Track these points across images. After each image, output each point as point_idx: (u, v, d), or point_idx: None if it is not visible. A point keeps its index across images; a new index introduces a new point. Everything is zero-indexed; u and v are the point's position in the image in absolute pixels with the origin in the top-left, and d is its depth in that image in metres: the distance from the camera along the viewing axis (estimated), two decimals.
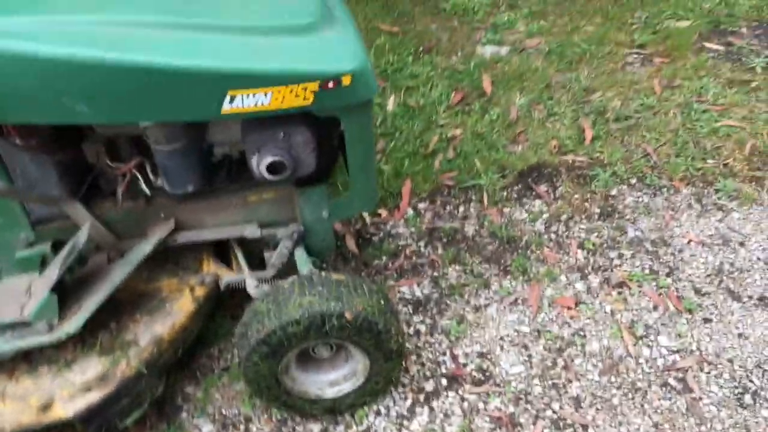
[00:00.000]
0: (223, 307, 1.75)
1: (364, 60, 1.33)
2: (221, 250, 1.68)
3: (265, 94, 1.25)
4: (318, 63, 1.27)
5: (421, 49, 2.72)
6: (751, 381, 1.64)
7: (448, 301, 1.83)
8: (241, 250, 1.62)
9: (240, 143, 1.45)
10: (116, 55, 1.15)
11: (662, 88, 2.52)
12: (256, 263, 1.61)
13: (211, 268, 1.60)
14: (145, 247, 1.47)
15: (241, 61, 1.22)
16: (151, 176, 1.45)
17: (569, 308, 1.80)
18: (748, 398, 1.60)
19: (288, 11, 1.35)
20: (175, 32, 1.22)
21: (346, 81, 1.29)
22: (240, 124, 1.41)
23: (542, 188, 2.14)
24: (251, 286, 1.53)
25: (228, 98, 1.23)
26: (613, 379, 1.65)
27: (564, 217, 2.05)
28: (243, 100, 1.24)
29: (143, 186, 1.44)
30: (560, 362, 1.68)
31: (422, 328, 1.77)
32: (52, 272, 1.37)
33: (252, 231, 1.56)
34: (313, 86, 1.27)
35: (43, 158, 1.35)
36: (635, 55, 2.70)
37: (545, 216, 2.06)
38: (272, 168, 1.37)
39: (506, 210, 2.08)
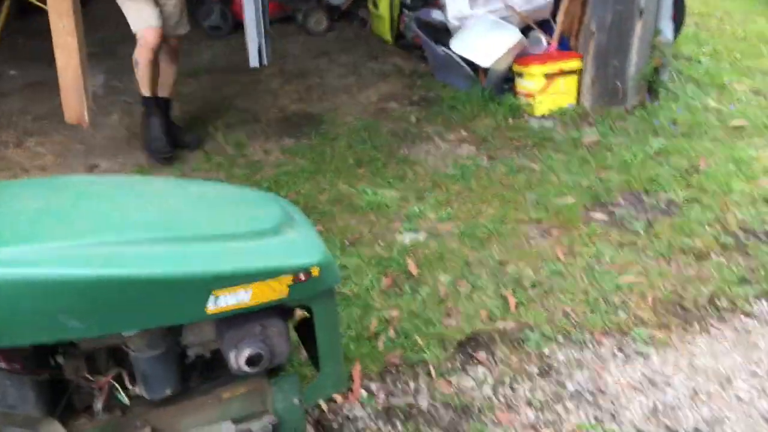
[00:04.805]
0: None
1: (327, 253, 1.51)
2: None
3: (246, 292, 1.37)
4: (290, 259, 1.43)
5: (346, 242, 2.94)
6: None
7: None
8: None
9: (213, 342, 1.54)
10: (111, 271, 1.26)
11: (564, 255, 2.83)
12: None
13: None
14: None
15: (223, 264, 1.36)
16: (128, 385, 1.49)
17: None
18: None
19: (255, 217, 1.52)
20: (162, 246, 1.35)
21: (315, 272, 1.45)
22: (214, 325, 1.51)
23: (482, 355, 2.30)
24: None
25: (213, 299, 1.35)
26: None
27: (507, 379, 2.20)
28: (226, 300, 1.36)
29: (123, 396, 1.47)
30: None
31: None
32: None
33: (227, 429, 1.59)
34: (288, 279, 1.42)
35: (23, 379, 1.37)
36: (535, 230, 3.04)
37: (490, 381, 2.19)
38: (251, 361, 1.45)
39: (453, 380, 2.20)
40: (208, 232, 1.43)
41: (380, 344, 2.35)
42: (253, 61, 4.22)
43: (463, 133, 4.02)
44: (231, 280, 1.35)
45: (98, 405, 1.46)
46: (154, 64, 3.61)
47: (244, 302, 1.38)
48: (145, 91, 3.68)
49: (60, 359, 1.46)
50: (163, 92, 3.78)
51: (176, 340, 1.50)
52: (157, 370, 1.45)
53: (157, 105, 3.75)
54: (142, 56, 3.55)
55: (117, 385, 1.48)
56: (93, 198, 1.49)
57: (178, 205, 1.53)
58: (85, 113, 3.73)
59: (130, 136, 4.02)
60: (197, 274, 1.33)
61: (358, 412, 2.09)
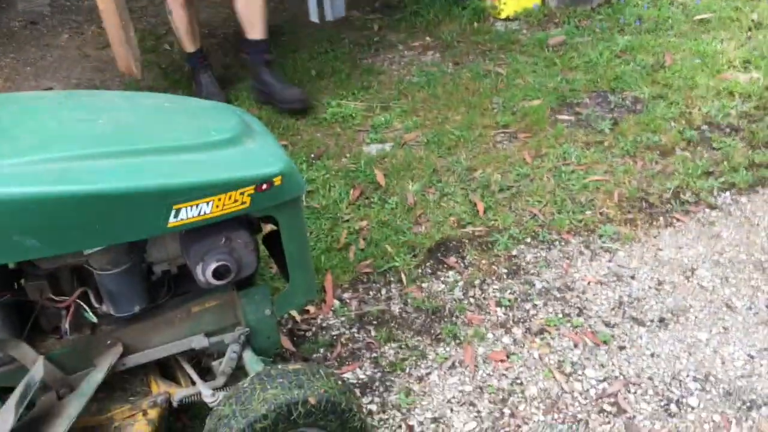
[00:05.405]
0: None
1: (289, 162, 1.47)
2: (163, 367, 1.69)
3: (207, 203, 1.35)
4: (251, 169, 1.40)
5: (312, 156, 2.90)
6: (671, 392, 1.84)
7: (392, 378, 1.92)
8: (189, 363, 1.65)
9: (179, 258, 1.52)
10: (65, 187, 1.22)
11: (532, 158, 2.83)
12: (200, 373, 1.64)
13: (160, 387, 1.61)
14: (96, 376, 1.47)
15: (182, 176, 1.32)
16: (94, 303, 1.47)
17: (502, 361, 1.94)
18: (673, 407, 1.79)
19: (213, 129, 1.47)
20: (117, 159, 1.30)
21: (277, 181, 1.42)
22: (178, 240, 1.49)
23: (452, 260, 2.32)
24: (208, 395, 1.56)
25: (174, 212, 1.32)
26: (556, 416, 1.79)
27: (477, 281, 2.23)
28: (187, 212, 1.33)
29: (90, 315, 1.46)
30: (507, 411, 1.81)
31: (373, 407, 1.84)
32: (6, 419, 1.34)
33: (199, 341, 1.60)
34: (250, 190, 1.39)
35: None
36: (502, 134, 3.02)
37: (460, 284, 2.23)
38: (218, 273, 1.44)
39: (424, 285, 2.23)
40: (165, 145, 1.38)
41: (351, 255, 2.35)
42: (314, 15, 3.36)
43: (428, 39, 3.92)
44: (191, 193, 1.32)
45: (65, 325, 1.45)
46: (190, 9, 3.08)
47: (206, 214, 1.35)
48: (188, 46, 3.19)
49: (22, 281, 1.43)
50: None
51: (141, 257, 1.48)
52: (122, 287, 1.44)
53: (206, 59, 3.27)
54: (174, 1, 3.02)
55: (83, 304, 1.46)
56: (40, 113, 1.42)
57: (131, 118, 1.48)
58: (133, 63, 3.34)
59: (81, 57, 3.85)
60: (155, 187, 1.29)
61: (332, 320, 2.12)
